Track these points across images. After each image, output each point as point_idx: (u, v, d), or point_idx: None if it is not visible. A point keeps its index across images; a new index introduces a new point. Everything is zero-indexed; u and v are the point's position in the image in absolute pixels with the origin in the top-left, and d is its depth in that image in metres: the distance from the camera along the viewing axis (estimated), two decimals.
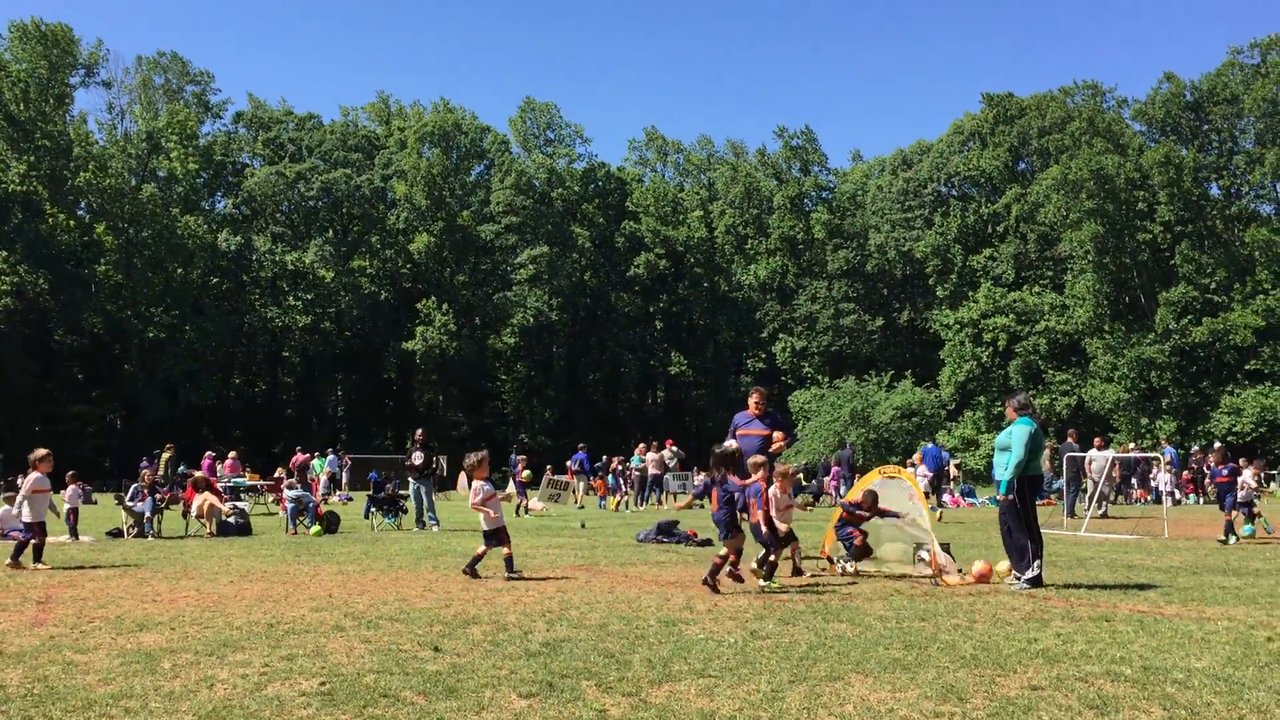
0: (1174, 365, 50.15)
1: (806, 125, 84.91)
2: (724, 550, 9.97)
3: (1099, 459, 23.18)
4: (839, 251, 64.10)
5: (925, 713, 5.19)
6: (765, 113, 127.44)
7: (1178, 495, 31.05)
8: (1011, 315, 55.32)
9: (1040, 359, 54.77)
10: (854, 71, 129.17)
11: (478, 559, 11.15)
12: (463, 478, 11.38)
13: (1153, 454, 33.56)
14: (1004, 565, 10.87)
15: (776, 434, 12.64)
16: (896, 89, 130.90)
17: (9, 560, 12.29)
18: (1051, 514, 22.59)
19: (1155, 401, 50.80)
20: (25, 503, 12.69)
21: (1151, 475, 32.24)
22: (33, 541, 12.47)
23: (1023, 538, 10.31)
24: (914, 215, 62.55)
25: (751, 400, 13.12)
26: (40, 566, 12.15)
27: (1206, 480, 29.71)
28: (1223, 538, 15.58)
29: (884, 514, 11.44)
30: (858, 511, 11.45)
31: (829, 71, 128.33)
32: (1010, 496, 10.39)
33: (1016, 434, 10.42)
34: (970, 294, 58.05)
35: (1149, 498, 31.18)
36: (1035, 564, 10.23)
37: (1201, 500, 32.58)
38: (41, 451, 13.06)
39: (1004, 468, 10.48)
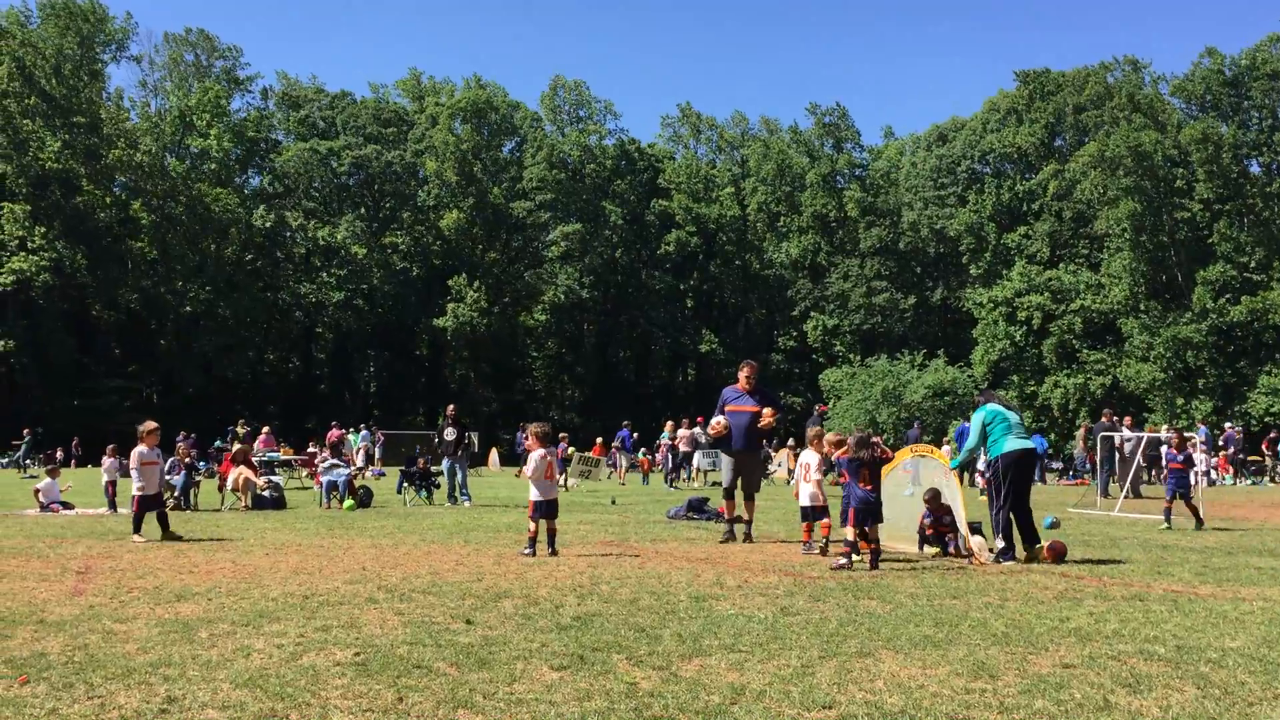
0: (1211, 345, 49.51)
1: (838, 102, 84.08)
2: (850, 533, 10.29)
3: (1131, 438, 22.97)
4: (871, 229, 63.67)
5: (956, 689, 5.19)
6: (799, 89, 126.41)
7: (1213, 476, 30.76)
8: (1046, 294, 54.76)
9: (1075, 338, 54.22)
10: (888, 47, 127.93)
11: (535, 539, 10.84)
12: (532, 453, 10.94)
13: (1187, 434, 33.22)
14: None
15: (767, 410, 12.50)
16: (931, 65, 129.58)
17: (134, 535, 12.45)
18: (1085, 494, 22.46)
19: (1191, 381, 50.20)
20: (135, 474, 12.89)
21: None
22: (139, 512, 12.68)
23: (997, 513, 10.73)
24: (947, 192, 61.99)
25: (741, 375, 12.88)
26: (162, 539, 12.34)
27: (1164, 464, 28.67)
28: (1166, 523, 14.90)
29: (948, 512, 11.21)
30: (944, 519, 11.19)
31: (863, 47, 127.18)
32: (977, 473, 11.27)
33: (973, 421, 11.18)
34: (1004, 272, 57.51)
35: None
36: (999, 539, 10.63)
37: (1238, 480, 32.28)
38: (150, 425, 13.25)
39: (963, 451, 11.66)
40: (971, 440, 11.13)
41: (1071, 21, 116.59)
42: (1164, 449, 16.37)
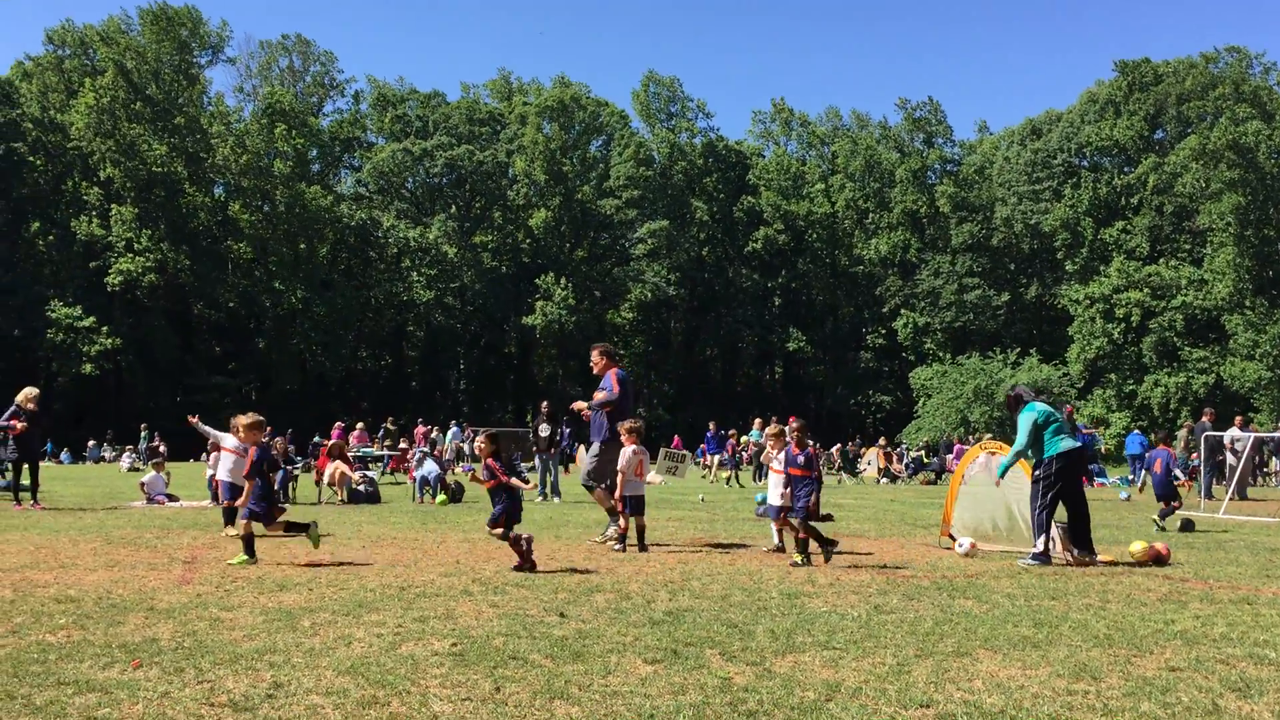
0: None
1: (930, 96, 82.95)
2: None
3: (1242, 439, 22.24)
4: (963, 225, 62.55)
5: (1058, 690, 5.09)
6: (892, 83, 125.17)
7: None
8: (1146, 290, 53.26)
9: (1176, 336, 52.66)
10: (983, 40, 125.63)
11: (624, 534, 10.99)
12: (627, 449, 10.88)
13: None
14: (1136, 546, 10.60)
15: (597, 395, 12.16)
16: (1025, 58, 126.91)
17: (227, 526, 12.50)
18: (1188, 496, 21.81)
19: None
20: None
21: None
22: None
23: (1040, 513, 10.48)
24: (1042, 187, 60.53)
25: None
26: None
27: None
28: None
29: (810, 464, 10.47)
30: (798, 463, 10.36)
31: (958, 40, 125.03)
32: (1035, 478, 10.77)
33: (1019, 423, 10.77)
34: (1102, 268, 56.07)
35: None
36: (1041, 540, 10.35)
37: None
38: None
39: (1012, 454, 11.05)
40: (1022, 440, 10.66)
41: (1172, 11, 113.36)
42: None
